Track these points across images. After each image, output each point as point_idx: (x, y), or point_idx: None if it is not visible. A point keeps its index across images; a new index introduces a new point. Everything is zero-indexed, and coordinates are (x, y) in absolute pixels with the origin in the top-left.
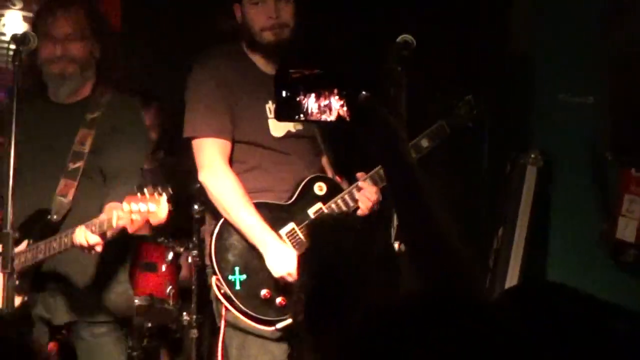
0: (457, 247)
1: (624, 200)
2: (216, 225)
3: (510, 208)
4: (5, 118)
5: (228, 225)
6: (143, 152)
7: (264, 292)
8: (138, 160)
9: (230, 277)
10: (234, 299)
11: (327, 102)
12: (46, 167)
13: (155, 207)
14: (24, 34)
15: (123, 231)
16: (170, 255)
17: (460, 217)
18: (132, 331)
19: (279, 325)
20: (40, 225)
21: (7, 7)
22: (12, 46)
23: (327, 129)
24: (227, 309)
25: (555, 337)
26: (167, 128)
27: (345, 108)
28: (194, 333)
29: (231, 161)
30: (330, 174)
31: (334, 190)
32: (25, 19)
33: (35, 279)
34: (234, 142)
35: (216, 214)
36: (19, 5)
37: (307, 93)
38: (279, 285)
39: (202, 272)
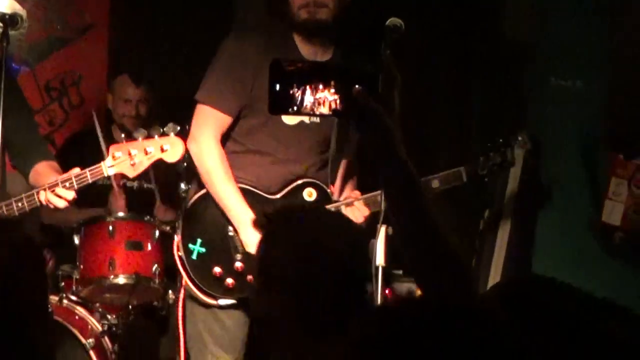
0: (450, 244)
1: (611, 184)
2: (196, 193)
3: (497, 190)
4: None
5: (207, 198)
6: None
7: (217, 269)
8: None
9: (190, 245)
10: (187, 265)
11: (321, 95)
12: None
13: (169, 145)
14: (14, 15)
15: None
16: (157, 234)
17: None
18: (116, 309)
19: (221, 302)
20: None
21: None
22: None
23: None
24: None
25: (547, 339)
26: (153, 108)
27: (339, 101)
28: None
29: (233, 139)
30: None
31: (322, 200)
32: None
33: None
34: (242, 119)
35: (200, 186)
36: None
37: (301, 86)
38: (233, 269)
39: None
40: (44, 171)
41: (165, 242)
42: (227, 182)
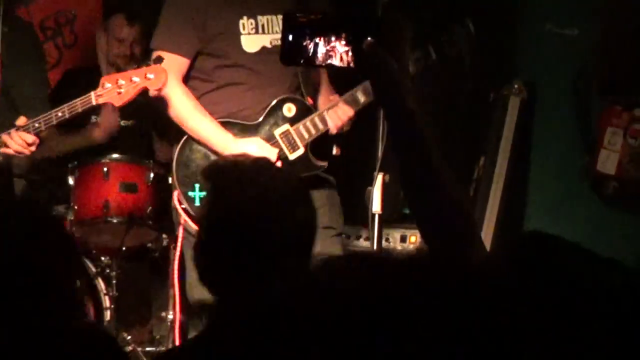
0: (459, 198)
1: (606, 133)
2: (179, 141)
3: (492, 138)
4: None
5: (191, 142)
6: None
7: None
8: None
9: (190, 193)
10: (194, 214)
11: (333, 46)
12: None
13: (152, 74)
14: None
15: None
16: (151, 176)
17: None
18: (110, 251)
19: None
20: None
21: None
22: None
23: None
24: (184, 221)
25: (553, 294)
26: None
27: (350, 53)
28: (174, 253)
29: (200, 79)
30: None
31: (303, 112)
32: None
33: None
34: (202, 55)
35: (179, 134)
36: None
37: (313, 37)
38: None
39: None
40: None
41: (159, 184)
42: (200, 115)
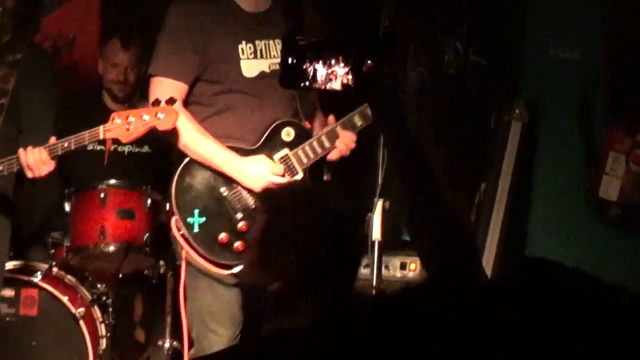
0: (461, 222)
1: (609, 158)
2: (179, 166)
3: (494, 163)
4: None
5: (191, 166)
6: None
7: (222, 236)
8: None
9: (189, 219)
10: (192, 241)
11: (333, 69)
12: None
13: (163, 114)
14: None
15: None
16: (148, 202)
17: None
18: (107, 278)
19: (236, 270)
20: None
21: None
22: None
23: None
24: (186, 253)
25: (557, 320)
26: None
27: (350, 76)
28: (170, 280)
29: (200, 104)
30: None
31: (302, 137)
32: None
33: None
34: (201, 82)
35: (180, 157)
36: None
37: (313, 60)
38: (237, 230)
39: None
40: None
41: (156, 210)
42: (204, 138)
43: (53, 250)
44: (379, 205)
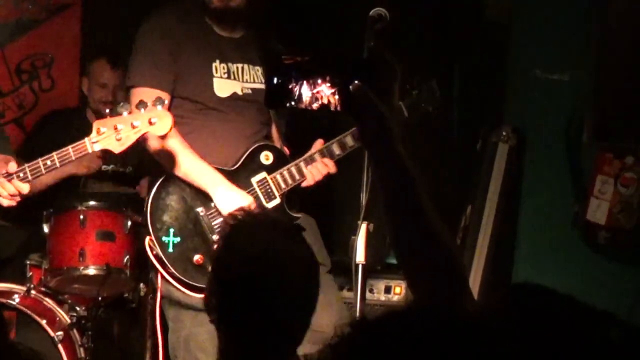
0: (449, 245)
1: (597, 181)
2: (154, 184)
3: (480, 186)
4: None
5: (167, 185)
6: None
7: (197, 257)
8: None
9: (164, 238)
10: (165, 261)
11: (319, 89)
12: None
13: (157, 118)
14: None
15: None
16: (128, 224)
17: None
18: (86, 301)
19: None
20: None
21: None
22: None
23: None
24: (161, 278)
25: (548, 347)
26: None
27: (336, 96)
28: (151, 303)
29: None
30: (278, 144)
31: (280, 161)
32: None
33: None
34: (176, 98)
35: (155, 174)
36: None
37: (298, 80)
38: (213, 252)
39: None
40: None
41: (136, 232)
42: (187, 152)
43: (31, 273)
44: (363, 227)
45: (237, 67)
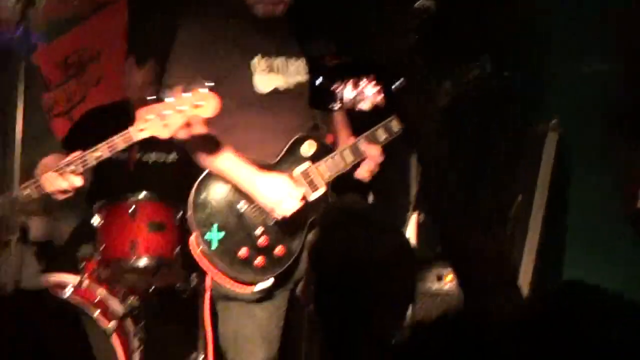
0: (494, 242)
1: None
2: (195, 181)
3: (530, 175)
4: None
5: (208, 181)
6: None
7: (242, 251)
8: None
9: (207, 234)
10: (211, 259)
11: (361, 90)
12: None
13: (202, 101)
14: None
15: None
16: (179, 215)
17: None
18: (138, 292)
19: (257, 288)
20: None
21: None
22: None
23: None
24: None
25: (594, 348)
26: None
27: (380, 96)
28: (202, 294)
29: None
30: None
31: (323, 151)
32: None
33: None
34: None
35: (198, 170)
36: None
37: (342, 81)
38: (257, 245)
39: None
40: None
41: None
42: (226, 151)
43: (83, 264)
44: (414, 218)
45: (279, 61)
